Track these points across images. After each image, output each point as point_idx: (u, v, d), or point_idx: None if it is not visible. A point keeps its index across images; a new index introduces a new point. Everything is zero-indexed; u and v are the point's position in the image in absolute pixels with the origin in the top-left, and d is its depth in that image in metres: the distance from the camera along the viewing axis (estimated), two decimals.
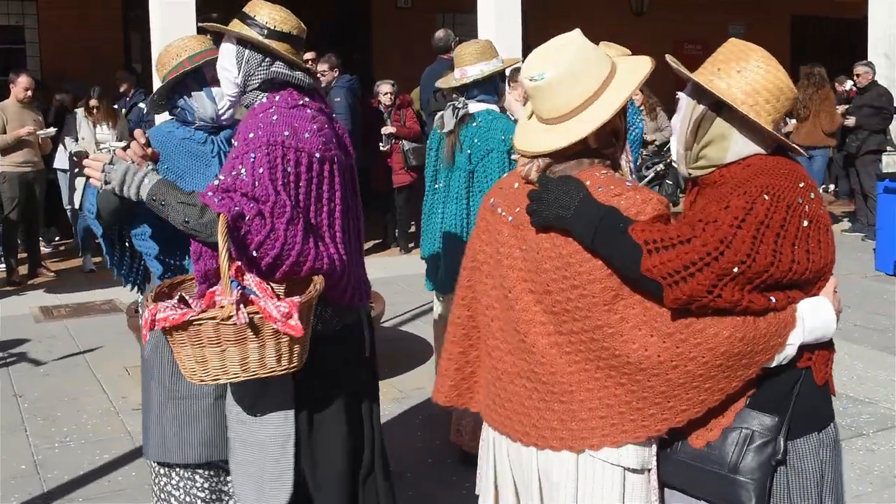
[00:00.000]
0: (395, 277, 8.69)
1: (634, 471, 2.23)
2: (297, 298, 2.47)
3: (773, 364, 2.14)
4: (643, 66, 2.25)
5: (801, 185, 2.14)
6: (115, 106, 10.00)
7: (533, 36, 8.80)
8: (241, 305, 2.40)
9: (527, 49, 7.46)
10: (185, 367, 2.52)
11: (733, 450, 2.17)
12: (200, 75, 3.14)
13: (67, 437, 5.11)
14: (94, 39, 12.05)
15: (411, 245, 10.36)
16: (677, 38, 15.97)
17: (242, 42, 2.77)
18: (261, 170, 2.58)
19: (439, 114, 4.59)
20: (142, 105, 10.56)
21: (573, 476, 2.25)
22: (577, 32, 2.25)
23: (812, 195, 2.15)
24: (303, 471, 2.83)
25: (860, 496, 4.28)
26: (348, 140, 2.94)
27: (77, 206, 9.57)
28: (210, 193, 2.57)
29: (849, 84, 12.14)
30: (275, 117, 2.67)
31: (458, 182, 4.42)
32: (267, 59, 2.78)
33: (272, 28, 2.76)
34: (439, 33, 9.67)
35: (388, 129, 10.07)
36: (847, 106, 11.49)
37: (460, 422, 4.48)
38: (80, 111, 9.51)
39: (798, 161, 2.29)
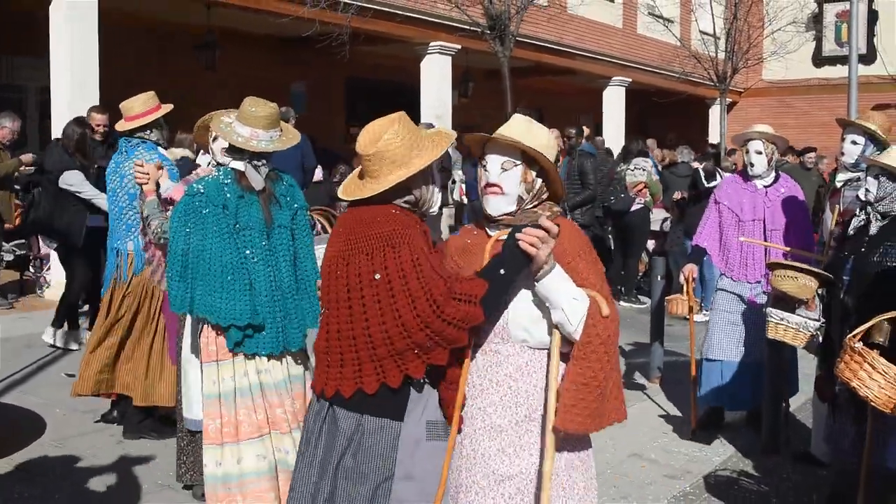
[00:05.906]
0: None
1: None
2: None
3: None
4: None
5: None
6: None
7: (108, 87, 8.57)
8: None
9: (106, 98, 7.23)
10: None
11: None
12: None
13: None
14: None
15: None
16: (245, 94, 15.99)
17: None
18: None
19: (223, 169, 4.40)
20: None
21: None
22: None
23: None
24: None
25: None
26: None
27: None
28: None
29: None
30: None
31: (283, 240, 4.36)
32: None
33: None
34: (282, 109, 9.92)
35: None
36: None
37: None
38: None
39: None
